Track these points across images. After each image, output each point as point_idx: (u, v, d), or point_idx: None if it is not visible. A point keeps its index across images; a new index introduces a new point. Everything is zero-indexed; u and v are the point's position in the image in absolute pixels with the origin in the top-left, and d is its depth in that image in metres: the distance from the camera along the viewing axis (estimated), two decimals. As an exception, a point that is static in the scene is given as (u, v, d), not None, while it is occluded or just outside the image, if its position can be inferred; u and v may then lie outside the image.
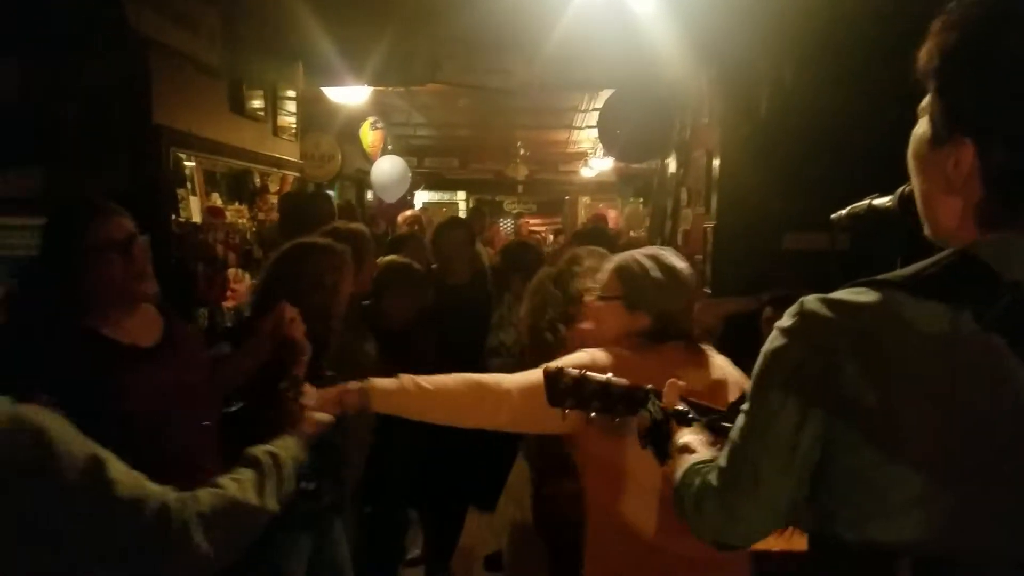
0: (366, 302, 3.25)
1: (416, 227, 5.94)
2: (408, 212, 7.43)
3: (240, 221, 4.82)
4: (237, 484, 1.45)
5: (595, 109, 7.09)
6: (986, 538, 0.90)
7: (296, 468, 1.61)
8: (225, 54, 4.01)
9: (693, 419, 1.36)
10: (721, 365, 1.98)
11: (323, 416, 1.78)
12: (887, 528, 0.93)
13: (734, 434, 1.07)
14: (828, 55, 3.47)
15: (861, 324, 0.95)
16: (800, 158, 3.57)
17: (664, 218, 5.93)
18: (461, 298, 3.93)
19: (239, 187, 5.02)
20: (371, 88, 5.62)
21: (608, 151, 6.61)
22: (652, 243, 6.31)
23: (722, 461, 1.09)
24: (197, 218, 4.27)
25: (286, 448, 1.62)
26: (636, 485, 1.82)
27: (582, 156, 11.62)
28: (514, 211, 14.89)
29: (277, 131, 4.74)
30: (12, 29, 3.13)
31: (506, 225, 13.35)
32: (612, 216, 10.55)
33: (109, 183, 3.21)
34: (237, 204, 4.99)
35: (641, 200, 10.28)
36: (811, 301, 0.99)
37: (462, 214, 12.38)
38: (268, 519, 1.50)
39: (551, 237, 10.99)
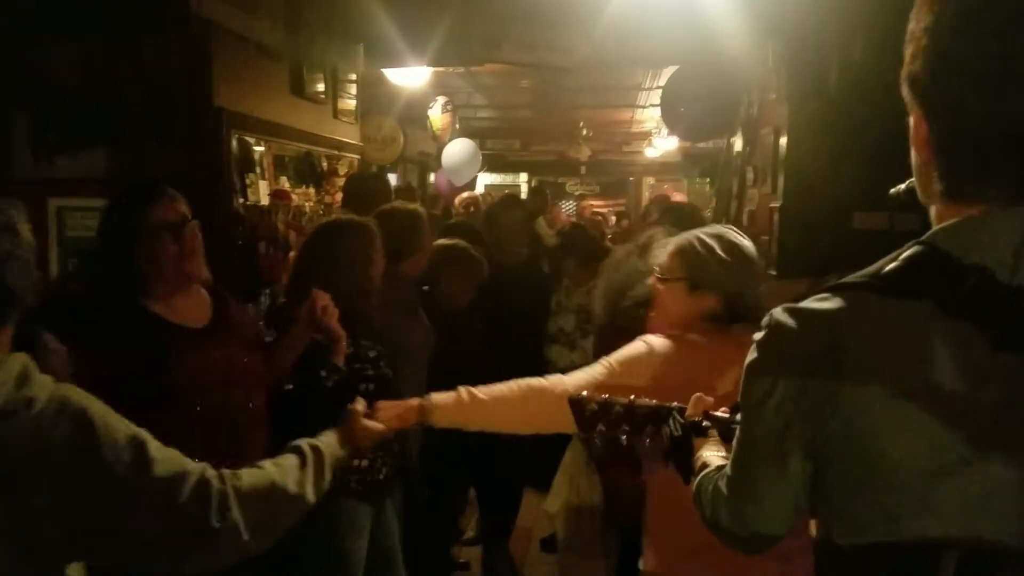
0: (426, 287, 3.26)
1: (472, 209, 5.90)
2: (465, 194, 7.39)
3: (307, 204, 4.91)
4: (278, 469, 1.47)
5: (658, 87, 6.95)
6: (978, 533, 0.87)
7: (335, 465, 1.63)
8: (286, 37, 4.05)
9: (707, 428, 1.34)
10: None
11: (377, 427, 1.81)
12: (875, 533, 0.92)
13: (734, 444, 1.08)
14: (899, 25, 3.30)
15: (822, 331, 0.93)
16: (871, 134, 3.41)
17: (729, 198, 5.80)
18: (516, 279, 3.90)
19: (307, 171, 5.11)
20: (432, 69, 5.62)
21: (671, 130, 6.49)
22: (717, 224, 6.19)
23: (728, 470, 1.10)
24: (265, 201, 4.36)
25: (329, 445, 1.64)
26: None
27: (646, 136, 11.45)
28: (576, 192, 14.78)
29: (337, 113, 4.76)
30: (77, 12, 3.21)
31: (568, 207, 13.25)
32: (677, 198, 10.35)
33: (171, 165, 3.28)
34: (304, 187, 5.09)
35: (708, 180, 10.07)
36: (778, 312, 0.98)
37: (523, 196, 12.35)
38: (304, 510, 1.51)
39: (613, 219, 10.86)
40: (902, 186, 1.24)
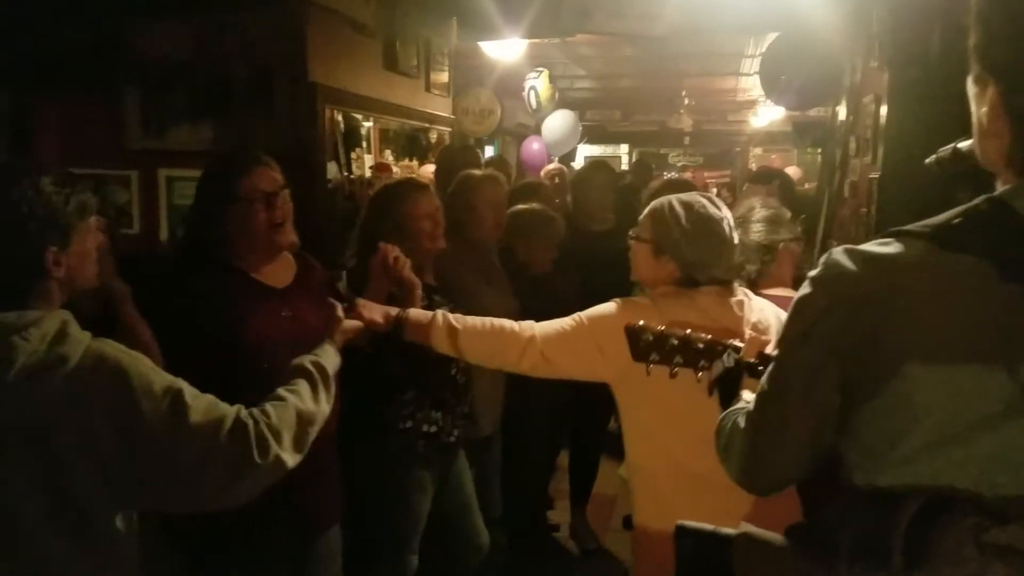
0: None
1: (557, 181, 5.91)
2: (551, 165, 7.40)
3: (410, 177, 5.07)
4: (295, 394, 1.60)
5: (762, 54, 6.72)
6: (994, 486, 0.88)
7: (335, 373, 1.76)
8: (380, 12, 4.14)
9: (762, 370, 1.33)
10: (761, 307, 2.00)
11: (353, 324, 1.93)
12: (894, 474, 0.94)
13: (763, 379, 1.10)
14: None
15: (880, 275, 0.95)
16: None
17: (833, 168, 5.60)
18: (603, 245, 3.92)
19: (412, 145, 5.26)
20: (527, 41, 5.62)
21: (772, 99, 6.28)
22: (820, 195, 5.98)
23: (751, 405, 1.12)
24: (369, 174, 4.54)
25: (327, 356, 1.76)
26: (686, 421, 1.84)
27: (751, 104, 11.08)
28: (679, 164, 14.50)
29: (430, 87, 4.85)
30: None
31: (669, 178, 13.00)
32: (790, 169, 9.97)
33: (273, 139, 3.43)
34: (408, 160, 5.24)
35: (820, 151, 9.66)
36: (837, 252, 1.00)
37: (624, 167, 12.21)
38: (324, 420, 1.65)
39: (715, 191, 10.60)
40: (933, 157, 1.21)
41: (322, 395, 1.68)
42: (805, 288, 1.04)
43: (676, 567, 1.18)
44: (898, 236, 0.97)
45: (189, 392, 1.40)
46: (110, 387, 1.32)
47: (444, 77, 5.10)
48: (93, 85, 3.48)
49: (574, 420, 3.98)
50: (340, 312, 1.93)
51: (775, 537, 1.08)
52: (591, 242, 3.84)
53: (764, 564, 1.05)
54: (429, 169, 5.12)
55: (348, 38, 3.88)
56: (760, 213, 2.64)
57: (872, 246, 0.98)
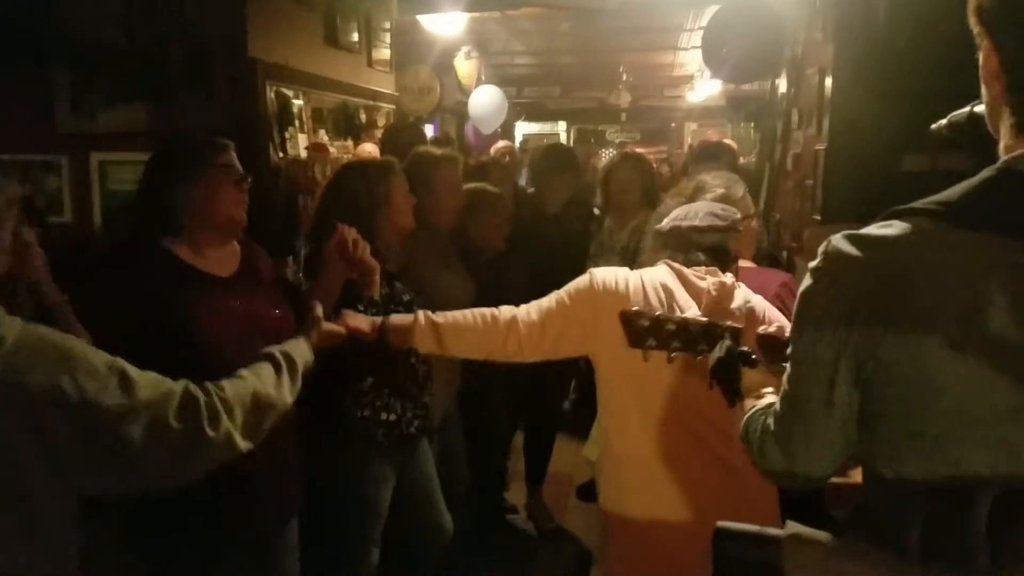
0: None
1: (507, 159, 5.85)
2: (500, 143, 7.34)
3: (345, 156, 4.91)
4: (257, 377, 1.56)
5: (700, 28, 6.75)
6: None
7: (306, 370, 1.72)
8: (319, -15, 4.01)
9: (757, 360, 1.33)
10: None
11: (333, 328, 1.89)
12: (919, 462, 0.91)
13: (784, 379, 1.07)
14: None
15: (886, 260, 0.91)
16: (920, 73, 3.28)
17: (774, 142, 5.66)
18: (555, 226, 3.91)
19: (346, 123, 5.10)
20: (467, 16, 5.53)
21: (713, 72, 6.30)
22: (761, 168, 6.05)
23: (777, 406, 1.09)
24: (304, 154, 4.37)
25: (298, 350, 1.72)
26: (649, 397, 1.86)
27: (688, 79, 11.17)
28: (617, 140, 14.57)
29: (372, 63, 4.73)
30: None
31: (607, 156, 13.06)
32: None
33: (211, 118, 3.30)
34: (343, 140, 5.09)
35: (752, 125, 9.81)
36: (837, 239, 0.96)
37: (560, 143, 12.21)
38: (284, 412, 1.62)
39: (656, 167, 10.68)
40: (943, 121, 1.19)
41: (286, 384, 1.62)
42: (807, 280, 1.00)
43: (716, 570, 1.13)
44: (902, 215, 0.93)
45: (132, 369, 1.34)
46: (52, 368, 1.24)
47: (386, 53, 4.97)
48: (18, 65, 3.27)
49: (529, 401, 3.97)
50: (319, 312, 1.87)
51: (825, 537, 1.04)
52: (543, 224, 3.87)
53: (820, 566, 1.00)
54: (366, 148, 4.96)
55: (288, 12, 3.74)
56: (711, 193, 2.46)
57: (873, 229, 0.94)
